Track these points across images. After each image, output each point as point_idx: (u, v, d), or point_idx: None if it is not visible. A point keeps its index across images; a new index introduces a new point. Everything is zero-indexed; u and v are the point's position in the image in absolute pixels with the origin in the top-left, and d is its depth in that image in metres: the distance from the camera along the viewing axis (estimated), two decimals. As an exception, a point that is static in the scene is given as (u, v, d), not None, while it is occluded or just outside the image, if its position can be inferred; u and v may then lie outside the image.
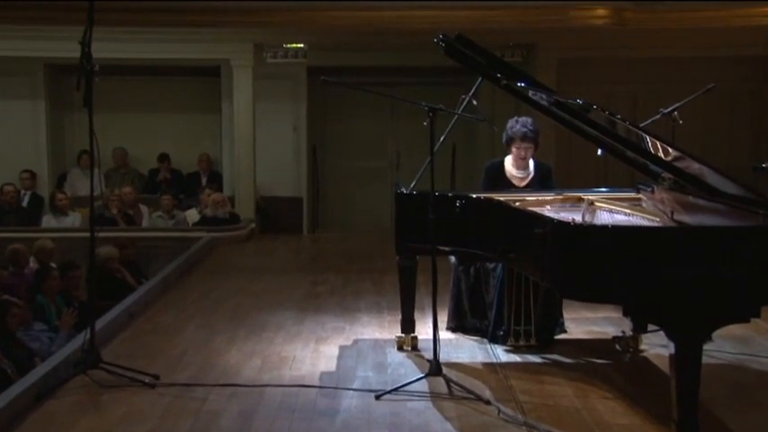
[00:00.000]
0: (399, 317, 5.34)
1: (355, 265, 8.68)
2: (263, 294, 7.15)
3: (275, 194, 11.28)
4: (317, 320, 6.16)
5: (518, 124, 5.36)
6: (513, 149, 5.42)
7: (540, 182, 5.50)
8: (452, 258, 5.57)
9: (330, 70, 10.55)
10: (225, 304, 6.77)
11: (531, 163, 5.51)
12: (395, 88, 11.21)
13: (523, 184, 5.50)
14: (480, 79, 4.99)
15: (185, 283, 7.70)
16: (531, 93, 4.81)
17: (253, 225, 10.67)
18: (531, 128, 5.35)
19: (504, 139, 5.46)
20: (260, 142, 10.91)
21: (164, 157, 11.37)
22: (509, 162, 5.52)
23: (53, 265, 7.45)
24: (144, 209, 10.47)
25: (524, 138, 5.35)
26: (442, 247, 4.81)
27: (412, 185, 5.17)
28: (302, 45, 10.81)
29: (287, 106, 11.36)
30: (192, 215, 10.47)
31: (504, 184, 5.47)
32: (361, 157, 11.89)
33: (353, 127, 11.85)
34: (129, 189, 10.49)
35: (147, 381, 4.61)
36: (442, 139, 5.00)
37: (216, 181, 11.29)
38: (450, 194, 5.07)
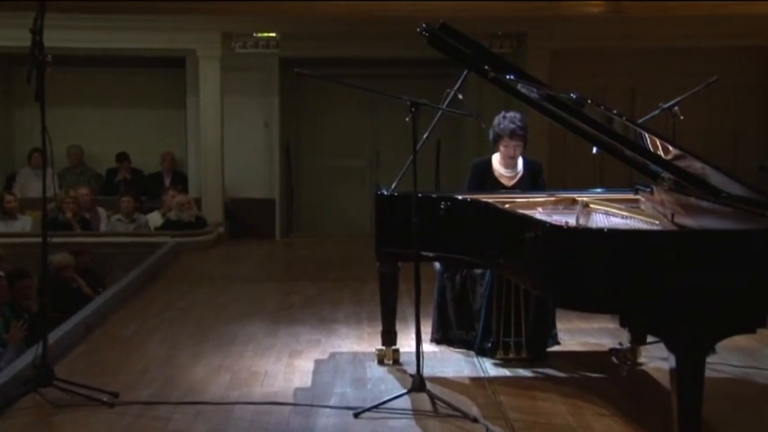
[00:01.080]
0: (380, 328, 5.34)
1: (332, 273, 8.67)
2: (232, 305, 7.14)
3: (245, 196, 11.27)
4: (290, 332, 6.14)
5: (506, 120, 5.39)
6: (501, 147, 5.45)
7: (530, 181, 5.53)
8: (437, 265, 5.58)
9: (305, 62, 10.62)
10: (190, 315, 6.75)
11: (520, 161, 5.54)
12: (374, 81, 11.20)
13: (512, 183, 5.53)
14: (466, 72, 5.00)
15: (147, 292, 7.66)
16: (520, 86, 4.83)
17: (221, 229, 10.65)
18: (519, 124, 5.37)
19: (490, 137, 5.49)
20: (228, 140, 10.88)
21: (123, 156, 11.31)
22: (497, 160, 5.55)
23: (1, 273, 7.39)
24: (102, 212, 10.43)
25: (512, 135, 5.37)
26: (425, 253, 4.82)
27: (393, 186, 5.18)
28: (274, 34, 10.80)
29: (258, 101, 11.35)
30: (155, 219, 10.43)
31: (492, 183, 5.50)
32: (338, 155, 11.90)
33: (330, 123, 11.86)
34: (86, 190, 10.43)
35: (105, 399, 4.58)
36: (425, 136, 5.01)
37: (180, 182, 11.26)
38: (434, 196, 5.08)
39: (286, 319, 6.60)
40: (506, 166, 5.52)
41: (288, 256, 10.44)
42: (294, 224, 11.93)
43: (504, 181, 5.53)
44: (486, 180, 5.52)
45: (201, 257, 9.55)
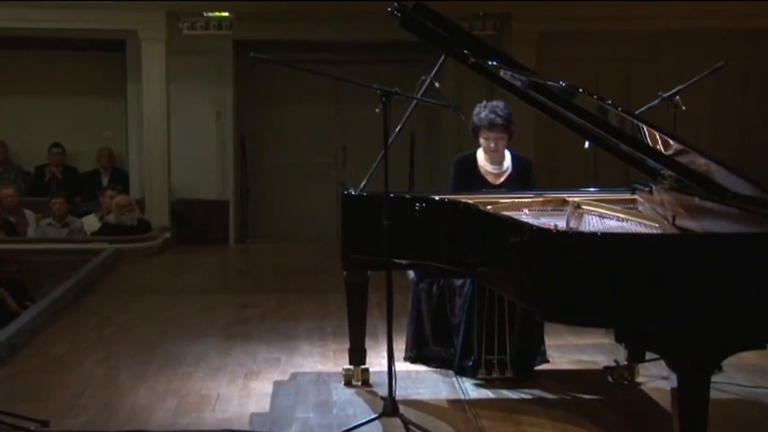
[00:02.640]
0: (347, 345, 5.34)
1: (293, 283, 8.67)
2: (180, 319, 7.11)
3: (195, 197, 11.24)
4: (246, 351, 6.14)
5: (485, 109, 5.41)
6: (482, 140, 5.48)
7: (519, 178, 5.56)
8: (411, 274, 5.59)
9: (262, 45, 10.60)
10: (132, 332, 6.73)
11: (508, 156, 5.57)
12: (341, 67, 11.25)
13: (500, 181, 5.55)
14: (444, 57, 5.02)
15: (82, 306, 7.61)
16: (504, 73, 4.86)
17: (167, 234, 10.62)
18: (501, 113, 5.39)
19: (470, 128, 5.51)
20: (176, 133, 10.85)
21: (56, 148, 11.22)
22: (481, 156, 5.58)
23: None
24: (30, 215, 10.35)
25: (492, 125, 5.40)
26: (398, 260, 4.83)
27: (362, 185, 5.19)
28: (227, 14, 10.78)
29: (209, 89, 11.31)
30: (91, 223, 10.37)
31: (478, 181, 5.53)
32: (300, 150, 11.88)
33: (291, 114, 11.84)
34: (11, 191, 10.35)
35: (33, 428, 4.55)
36: (397, 129, 5.02)
37: (120, 180, 11.20)
38: (407, 196, 5.09)
39: (241, 335, 6.59)
40: (492, 161, 5.54)
41: (243, 265, 10.42)
42: (250, 228, 11.90)
43: (490, 179, 5.55)
44: (472, 178, 5.54)
45: (145, 266, 9.50)
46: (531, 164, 5.70)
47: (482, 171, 5.56)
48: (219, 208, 11.34)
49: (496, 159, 5.53)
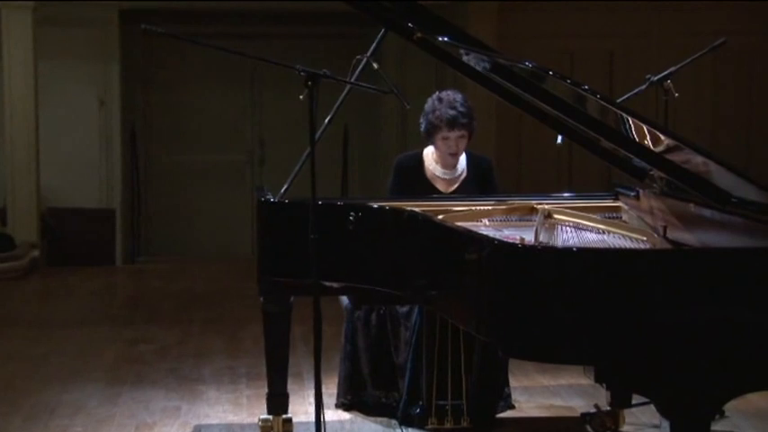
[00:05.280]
0: (265, 390, 5.33)
1: (197, 313, 8.64)
2: (53, 359, 7.06)
3: (71, 205, 11.13)
4: (137, 398, 6.11)
5: (442, 104, 5.42)
6: (439, 142, 5.49)
7: (477, 185, 5.58)
8: (345, 300, 5.61)
9: (156, 15, 10.53)
10: (-9, 376, 6.66)
11: (463, 158, 5.60)
12: (256, 43, 11.26)
13: (452, 188, 5.58)
14: (383, 31, 5.04)
15: (-73, 343, 7.52)
16: (460, 52, 4.89)
17: (36, 253, 10.54)
18: (462, 109, 5.41)
19: (422, 127, 5.52)
20: (46, 124, 10.77)
21: None
22: (430, 157, 5.60)
23: None
24: None
25: (453, 123, 5.41)
26: (328, 283, 4.84)
27: (283, 190, 5.18)
28: (111, -26, 10.75)
29: (89, 69, 11.24)
30: (-63, 237, 10.24)
31: (424, 188, 5.55)
32: (205, 147, 11.85)
33: (193, 102, 11.80)
34: None
35: None
36: (327, 120, 5.03)
37: (-26, 184, 11.08)
38: (340, 203, 5.11)
39: (131, 378, 6.56)
40: (445, 165, 5.56)
41: (134, 290, 10.36)
42: (143, 244, 11.84)
43: (440, 186, 5.57)
44: (416, 184, 5.55)
45: (8, 292, 9.40)
46: (492, 165, 5.73)
47: (430, 176, 5.58)
48: (103, 219, 11.24)
49: (451, 162, 5.55)
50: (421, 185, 5.56)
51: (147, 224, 11.85)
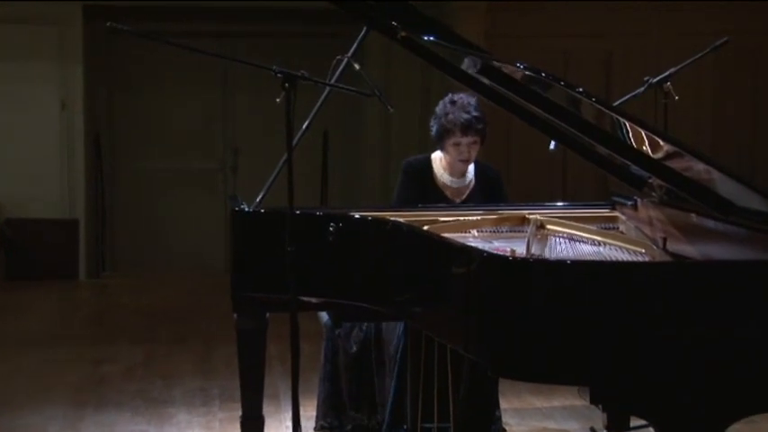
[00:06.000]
0: (239, 412, 5.32)
1: (166, 331, 8.63)
2: (10, 381, 7.04)
3: (31, 215, 11.10)
4: (100, 422, 6.10)
5: (456, 108, 5.44)
6: (449, 147, 5.50)
7: (484, 195, 5.60)
8: (324, 316, 5.60)
9: (122, 12, 10.52)
10: (-54, 398, 6.62)
11: (471, 166, 5.62)
12: (230, 43, 11.28)
13: (462, 197, 5.60)
14: (365, 30, 5.04)
15: None
16: (453, 53, 4.89)
17: (-7, 266, 10.49)
18: (476, 113, 5.44)
19: (433, 131, 5.53)
20: (3, 128, 10.75)
21: None
22: (439, 162, 5.61)
23: None
24: None
25: (467, 128, 5.42)
26: (307, 298, 4.83)
27: (258, 199, 5.18)
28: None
29: (50, 70, 11.21)
30: None
31: (434, 195, 5.57)
32: (175, 153, 11.83)
33: (163, 105, 11.78)
34: None
35: None
36: (305, 125, 5.03)
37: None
38: (319, 213, 5.11)
39: (94, 400, 6.54)
40: (454, 172, 5.58)
41: (99, 306, 10.32)
42: (109, 257, 11.80)
43: (449, 193, 5.60)
44: (426, 191, 5.58)
45: (-37, 309, 9.36)
46: (499, 175, 5.75)
47: (439, 184, 5.61)
48: (65, 230, 11.21)
49: (461, 170, 5.58)
50: (431, 192, 5.59)
51: (113, 236, 11.82)
